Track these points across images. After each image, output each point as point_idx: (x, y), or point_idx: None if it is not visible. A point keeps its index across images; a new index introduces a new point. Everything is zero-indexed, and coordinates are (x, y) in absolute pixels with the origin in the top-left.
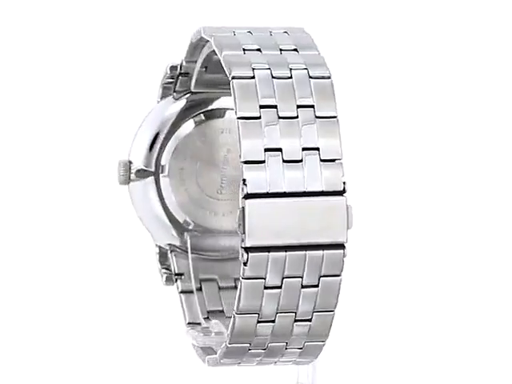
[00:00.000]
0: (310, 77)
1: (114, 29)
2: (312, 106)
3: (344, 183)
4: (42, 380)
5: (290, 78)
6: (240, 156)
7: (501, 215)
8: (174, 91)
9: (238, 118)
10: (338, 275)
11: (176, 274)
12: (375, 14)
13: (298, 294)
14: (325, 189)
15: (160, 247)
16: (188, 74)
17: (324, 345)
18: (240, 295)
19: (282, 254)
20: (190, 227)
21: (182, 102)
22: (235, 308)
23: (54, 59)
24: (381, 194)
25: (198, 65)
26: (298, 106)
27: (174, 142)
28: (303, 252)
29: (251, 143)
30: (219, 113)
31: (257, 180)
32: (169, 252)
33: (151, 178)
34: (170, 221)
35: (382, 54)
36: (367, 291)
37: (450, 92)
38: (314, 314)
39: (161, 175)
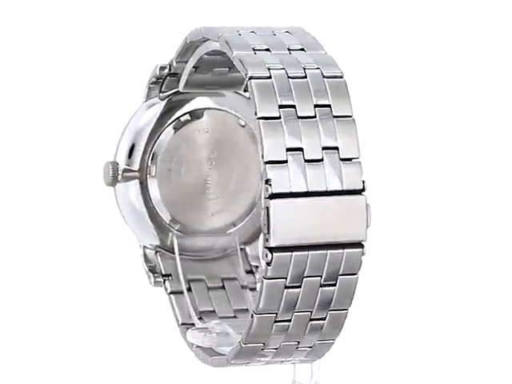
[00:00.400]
0: (324, 76)
1: (102, 29)
2: (329, 106)
3: (363, 182)
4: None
5: (305, 77)
6: (262, 156)
7: None
8: (160, 92)
9: (259, 119)
10: (355, 274)
11: (163, 275)
12: (365, 11)
13: (316, 293)
14: (345, 188)
15: (145, 249)
16: (177, 74)
17: (333, 343)
18: (261, 295)
19: (305, 253)
20: (177, 228)
21: (168, 103)
22: (255, 308)
23: (46, 58)
24: (387, 193)
25: (190, 65)
26: (316, 106)
27: (162, 142)
28: (325, 251)
29: (273, 143)
30: (199, 113)
31: (280, 180)
32: (154, 253)
33: (138, 179)
34: (157, 221)
35: (372, 51)
36: (370, 290)
37: (451, 87)
38: (329, 312)
39: (148, 176)
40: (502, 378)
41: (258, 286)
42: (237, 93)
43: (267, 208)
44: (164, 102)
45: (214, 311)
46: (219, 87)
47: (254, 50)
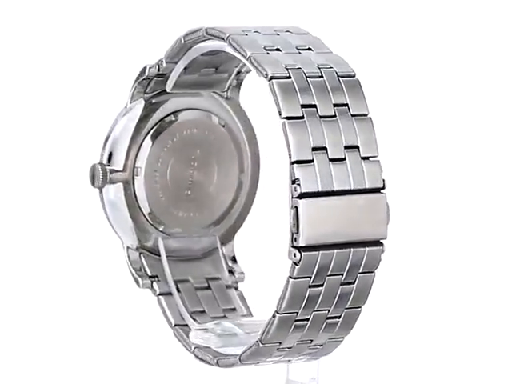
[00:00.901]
0: (338, 75)
1: (87, 31)
2: (346, 105)
3: (383, 180)
4: None
5: (321, 76)
6: (289, 156)
7: None
8: (145, 93)
9: (284, 118)
10: (373, 271)
11: (150, 277)
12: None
13: (336, 291)
14: (368, 186)
15: (128, 250)
16: (164, 74)
17: (342, 341)
18: (285, 295)
19: (331, 252)
20: (161, 229)
21: (150, 105)
22: (277, 308)
23: (37, 57)
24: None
25: (181, 66)
26: (335, 105)
27: (148, 143)
28: (348, 250)
29: (299, 143)
30: (182, 113)
31: (308, 179)
32: (138, 254)
33: (126, 181)
34: (143, 223)
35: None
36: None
37: (451, 83)
38: (345, 310)
39: (135, 178)
40: (502, 378)
41: (240, 285)
42: (215, 92)
43: (296, 208)
44: (145, 104)
45: (204, 311)
46: (203, 87)
47: (266, 49)
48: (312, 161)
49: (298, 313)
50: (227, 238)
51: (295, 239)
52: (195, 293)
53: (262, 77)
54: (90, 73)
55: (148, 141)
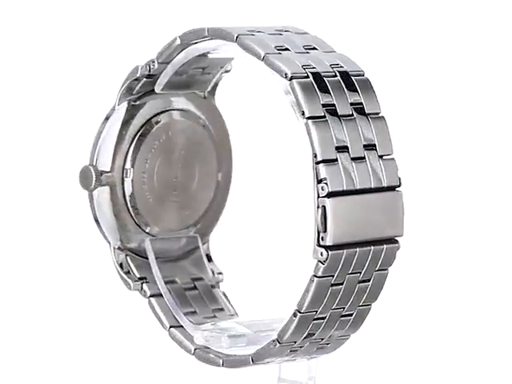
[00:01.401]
0: (350, 74)
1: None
2: (361, 104)
3: (399, 178)
4: None
5: (335, 76)
6: (315, 156)
7: None
8: (132, 94)
9: (308, 118)
10: (387, 269)
11: (139, 279)
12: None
13: (353, 289)
14: (386, 184)
15: (116, 252)
16: (154, 75)
17: (348, 339)
18: (308, 294)
19: (354, 250)
20: (147, 230)
21: (136, 107)
22: (299, 307)
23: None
24: None
25: (173, 67)
26: (351, 104)
27: (136, 145)
28: (369, 247)
29: (324, 142)
30: (167, 114)
31: (334, 178)
32: (125, 256)
33: (116, 183)
34: (130, 224)
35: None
36: None
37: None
38: (358, 308)
39: (125, 179)
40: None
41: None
42: (194, 93)
43: (324, 207)
44: (128, 107)
45: (195, 312)
46: (188, 88)
47: (276, 49)
48: (336, 160)
49: (317, 311)
50: (205, 237)
51: (322, 238)
52: (184, 293)
53: (280, 76)
54: (80, 74)
55: (136, 142)
